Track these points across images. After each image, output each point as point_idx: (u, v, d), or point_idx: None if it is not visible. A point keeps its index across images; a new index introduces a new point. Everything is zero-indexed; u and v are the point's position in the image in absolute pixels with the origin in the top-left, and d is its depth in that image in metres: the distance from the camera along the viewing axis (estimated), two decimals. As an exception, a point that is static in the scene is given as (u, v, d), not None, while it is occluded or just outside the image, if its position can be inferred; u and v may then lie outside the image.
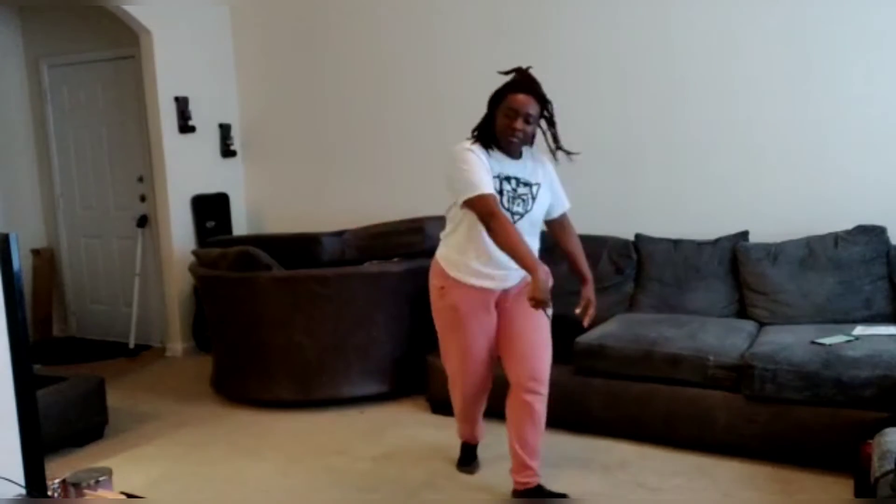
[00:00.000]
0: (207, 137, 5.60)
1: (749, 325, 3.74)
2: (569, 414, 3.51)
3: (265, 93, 5.74)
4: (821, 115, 4.04)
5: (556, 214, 3.06)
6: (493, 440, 3.35)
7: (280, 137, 5.72)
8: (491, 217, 2.70)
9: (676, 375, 3.40)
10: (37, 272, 6.04)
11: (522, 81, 2.82)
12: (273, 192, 5.81)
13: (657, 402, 3.44)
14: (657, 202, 4.46)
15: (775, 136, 4.15)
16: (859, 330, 3.42)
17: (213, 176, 5.64)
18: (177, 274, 5.40)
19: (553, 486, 3.02)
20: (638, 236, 4.33)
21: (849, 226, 3.84)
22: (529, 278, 2.65)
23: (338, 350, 4.13)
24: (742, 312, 3.95)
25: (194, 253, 4.73)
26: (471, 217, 2.80)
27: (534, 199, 2.89)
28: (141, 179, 5.68)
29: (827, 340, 3.27)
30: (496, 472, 3.20)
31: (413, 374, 4.19)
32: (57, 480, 1.84)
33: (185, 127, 5.38)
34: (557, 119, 2.88)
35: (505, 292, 2.96)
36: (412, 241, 4.41)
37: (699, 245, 4.15)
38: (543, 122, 2.86)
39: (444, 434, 3.50)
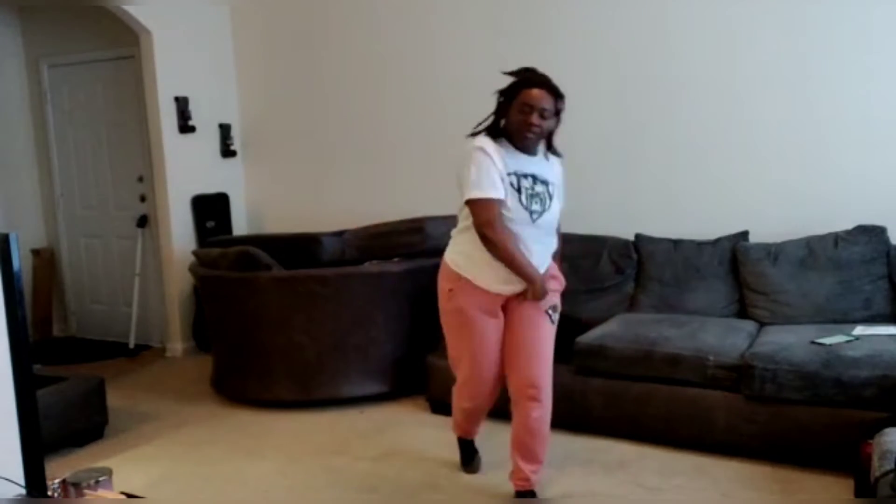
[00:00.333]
0: (207, 137, 5.60)
1: (749, 325, 3.74)
2: (569, 414, 3.51)
3: (265, 93, 5.74)
4: (820, 115, 4.04)
5: None
6: (494, 440, 3.35)
7: (280, 137, 5.73)
8: (487, 225, 2.68)
9: (676, 375, 3.40)
10: (37, 272, 6.04)
11: (535, 76, 2.77)
12: (273, 192, 5.81)
13: (657, 402, 3.44)
14: (657, 202, 4.46)
15: (775, 136, 4.15)
16: (859, 330, 3.42)
17: (213, 176, 5.64)
18: (177, 274, 5.40)
19: (553, 486, 3.02)
20: (638, 236, 4.33)
21: (849, 226, 3.84)
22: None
23: (337, 350, 4.13)
24: (742, 312, 3.95)
25: (194, 253, 4.73)
26: None
27: (551, 197, 2.84)
28: (141, 179, 5.68)
29: (827, 340, 3.27)
30: (497, 473, 3.19)
31: (413, 374, 4.19)
32: (57, 480, 1.84)
33: (185, 127, 5.38)
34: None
35: (512, 296, 2.92)
36: (412, 241, 4.41)
37: (699, 245, 4.15)
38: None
39: (444, 434, 3.49)
